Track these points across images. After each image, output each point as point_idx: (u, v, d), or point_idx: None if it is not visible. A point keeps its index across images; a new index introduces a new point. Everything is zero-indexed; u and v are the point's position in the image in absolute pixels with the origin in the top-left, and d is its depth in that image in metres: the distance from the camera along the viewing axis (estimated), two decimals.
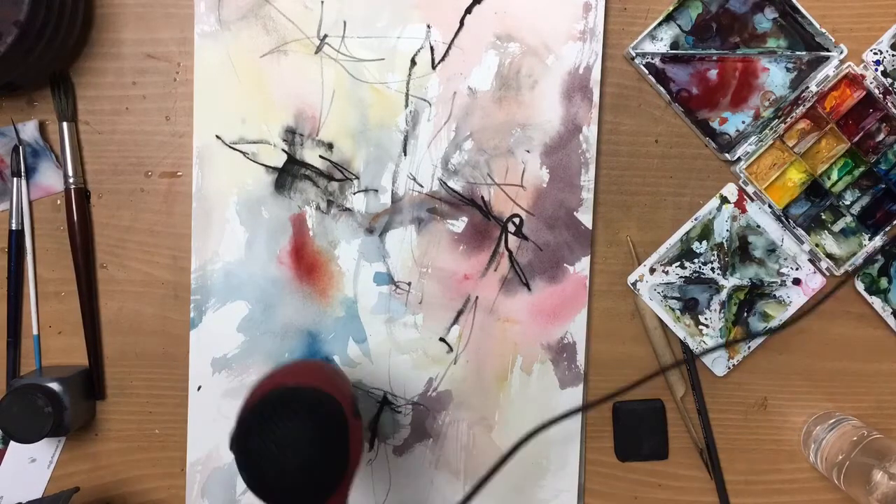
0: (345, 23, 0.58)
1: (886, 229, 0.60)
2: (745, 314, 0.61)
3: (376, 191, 0.59)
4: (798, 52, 0.59)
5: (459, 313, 0.60)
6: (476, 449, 0.60)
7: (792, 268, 0.61)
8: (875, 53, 0.59)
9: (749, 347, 0.61)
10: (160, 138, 0.59)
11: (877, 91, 0.59)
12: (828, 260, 0.60)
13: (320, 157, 0.59)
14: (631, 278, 0.60)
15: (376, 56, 0.58)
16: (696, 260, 0.60)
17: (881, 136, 0.60)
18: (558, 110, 0.59)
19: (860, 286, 0.61)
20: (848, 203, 0.61)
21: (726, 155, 0.59)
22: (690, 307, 0.61)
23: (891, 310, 0.61)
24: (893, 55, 0.59)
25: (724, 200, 0.60)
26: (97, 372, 0.59)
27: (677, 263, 0.60)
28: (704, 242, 0.60)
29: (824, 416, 0.61)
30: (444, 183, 0.59)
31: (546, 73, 0.59)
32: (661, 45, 0.60)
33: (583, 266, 0.60)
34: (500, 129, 0.59)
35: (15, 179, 0.59)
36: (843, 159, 0.60)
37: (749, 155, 0.59)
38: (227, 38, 0.58)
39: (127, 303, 0.60)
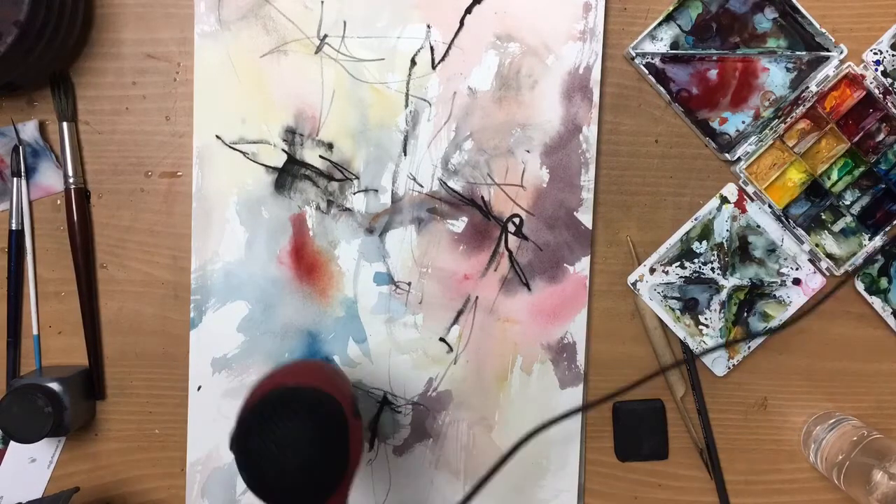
0: (345, 23, 0.58)
1: (886, 229, 0.60)
2: (745, 314, 0.61)
3: (376, 191, 0.59)
4: (798, 52, 0.59)
5: (459, 313, 0.60)
6: (476, 449, 0.60)
7: (792, 268, 0.61)
8: (875, 53, 0.59)
9: (749, 347, 0.61)
10: (160, 138, 0.59)
11: (877, 91, 0.59)
12: (828, 260, 0.60)
13: (320, 157, 0.59)
14: (631, 278, 0.60)
15: (376, 56, 0.58)
16: (696, 260, 0.60)
17: (881, 136, 0.60)
18: (558, 110, 0.59)
19: (860, 286, 0.61)
20: (848, 203, 0.61)
21: (726, 155, 0.59)
22: (690, 307, 0.61)
23: (891, 310, 0.61)
24: (893, 55, 0.59)
25: (724, 200, 0.60)
26: (97, 372, 0.60)
27: (677, 263, 0.60)
28: (704, 242, 0.60)
29: (824, 416, 0.61)
30: (444, 183, 0.59)
31: (546, 73, 0.59)
32: (661, 45, 0.60)
33: (583, 266, 0.60)
34: (500, 129, 0.59)
35: (15, 179, 0.59)
36: (843, 159, 0.60)
37: (749, 155, 0.59)
38: (227, 38, 0.58)
39: (127, 303, 0.60)
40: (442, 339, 0.60)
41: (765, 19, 0.60)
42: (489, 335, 0.60)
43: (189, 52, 0.58)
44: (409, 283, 0.60)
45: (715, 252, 0.60)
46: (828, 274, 0.61)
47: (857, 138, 0.59)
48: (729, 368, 0.61)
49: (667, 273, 0.60)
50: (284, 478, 0.41)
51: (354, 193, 0.59)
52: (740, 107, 0.60)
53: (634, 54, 0.58)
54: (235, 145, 0.58)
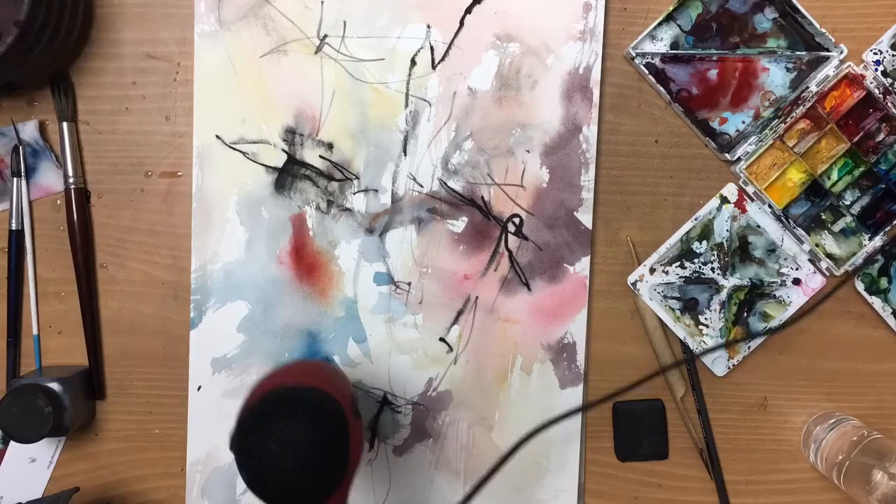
0: (345, 23, 0.58)
1: (886, 229, 0.60)
2: (745, 314, 0.61)
3: (376, 191, 0.59)
4: (798, 52, 0.59)
5: (459, 313, 0.60)
6: (476, 449, 0.60)
7: (792, 268, 0.61)
8: (875, 53, 0.59)
9: (749, 347, 0.61)
10: (160, 138, 0.59)
11: (877, 91, 0.59)
12: (828, 260, 0.60)
13: (320, 157, 0.59)
14: (631, 278, 0.60)
15: (376, 56, 0.58)
16: (696, 260, 0.60)
17: (881, 136, 0.60)
18: (558, 110, 0.59)
19: (860, 286, 0.61)
20: (848, 203, 0.61)
21: (726, 155, 0.59)
22: (690, 307, 0.61)
23: (891, 310, 0.61)
24: (893, 55, 0.59)
25: (724, 200, 0.60)
26: (97, 372, 0.60)
27: (677, 263, 0.60)
28: (704, 242, 0.60)
29: (824, 416, 0.61)
30: (444, 183, 0.59)
31: (546, 73, 0.59)
32: (661, 45, 0.60)
33: (583, 266, 0.60)
34: (500, 129, 0.59)
35: (15, 179, 0.59)
36: (843, 159, 0.60)
37: (749, 155, 0.59)
38: (227, 38, 0.58)
39: (127, 303, 0.60)
40: (442, 339, 0.60)
41: (765, 19, 0.60)
42: (489, 335, 0.60)
43: (189, 52, 0.58)
44: (409, 283, 0.60)
45: (715, 252, 0.60)
46: (828, 274, 0.61)
47: (857, 138, 0.59)
48: (729, 368, 0.61)
49: (667, 273, 0.60)
50: (284, 478, 0.41)
51: (354, 193, 0.59)
52: (740, 107, 0.60)
53: (634, 54, 0.58)
54: (235, 145, 0.58)
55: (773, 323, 0.61)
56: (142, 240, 0.60)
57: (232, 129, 0.58)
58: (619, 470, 0.62)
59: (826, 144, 0.60)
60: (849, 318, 0.62)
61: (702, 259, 0.60)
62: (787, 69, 0.60)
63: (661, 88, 0.59)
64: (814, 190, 0.60)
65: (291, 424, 0.41)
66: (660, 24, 0.58)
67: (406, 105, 0.59)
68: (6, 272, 0.59)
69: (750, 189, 0.60)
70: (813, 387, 0.62)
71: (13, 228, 0.59)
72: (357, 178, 0.59)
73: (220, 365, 0.59)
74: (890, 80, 0.59)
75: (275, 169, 0.59)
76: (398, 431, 0.60)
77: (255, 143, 0.58)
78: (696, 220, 0.60)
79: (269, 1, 0.58)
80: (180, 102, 0.59)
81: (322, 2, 0.58)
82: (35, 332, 0.59)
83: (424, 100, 0.59)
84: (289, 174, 0.59)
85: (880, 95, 0.59)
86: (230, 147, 0.58)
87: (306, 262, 0.59)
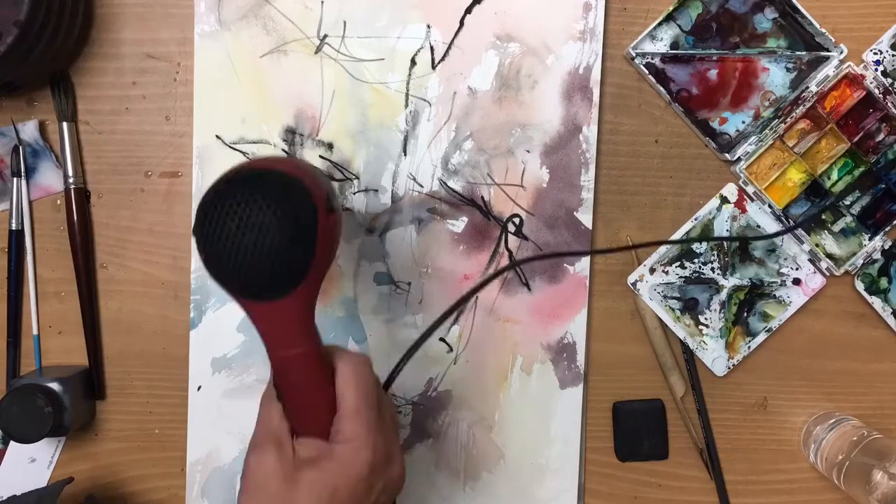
0: (345, 23, 0.58)
1: (886, 229, 0.60)
2: (745, 314, 0.61)
3: (376, 191, 0.59)
4: (798, 52, 0.59)
5: (459, 313, 0.60)
6: (476, 449, 0.60)
7: (792, 268, 0.61)
8: (875, 53, 0.59)
9: (749, 347, 0.61)
10: (160, 138, 0.59)
11: (877, 91, 0.59)
12: (828, 260, 0.60)
13: (320, 157, 0.59)
14: (631, 278, 0.60)
15: (376, 56, 0.58)
16: (696, 260, 0.60)
17: (881, 136, 0.60)
18: (558, 110, 0.59)
19: (860, 286, 0.61)
20: (848, 203, 0.61)
21: (726, 155, 0.59)
22: (690, 307, 0.61)
23: (891, 310, 0.61)
24: (893, 55, 0.59)
25: (724, 200, 0.60)
26: (97, 372, 0.60)
27: (677, 263, 0.60)
28: (704, 242, 0.60)
29: (824, 416, 0.61)
30: (444, 183, 0.59)
31: (546, 73, 0.59)
32: (661, 45, 0.60)
33: (583, 266, 0.60)
34: (500, 129, 0.59)
35: (15, 179, 0.59)
36: (843, 159, 0.60)
37: (749, 155, 0.59)
38: (227, 38, 0.58)
39: (127, 303, 0.60)
40: (442, 339, 0.60)
41: (765, 19, 0.60)
42: (489, 335, 0.60)
43: (189, 52, 0.58)
44: (409, 283, 0.60)
45: (715, 252, 0.60)
46: (828, 274, 0.61)
47: (857, 138, 0.59)
48: (729, 368, 0.61)
49: (667, 273, 0.60)
50: (243, 260, 0.38)
51: (354, 193, 0.59)
52: (740, 107, 0.60)
53: (634, 54, 0.58)
54: (235, 145, 0.58)
55: (773, 323, 0.61)
56: (142, 240, 0.60)
57: (232, 129, 0.58)
58: (619, 470, 0.62)
59: (826, 144, 0.60)
60: (849, 318, 0.62)
61: (702, 259, 0.60)
62: (787, 69, 0.60)
63: (661, 88, 0.59)
64: (814, 190, 0.60)
65: (254, 204, 0.38)
66: (660, 24, 0.58)
67: (406, 105, 0.59)
68: (6, 272, 0.59)
69: (750, 189, 0.60)
70: (813, 387, 0.62)
71: (13, 228, 0.59)
72: (357, 178, 0.59)
73: (220, 365, 0.59)
74: (890, 80, 0.59)
75: None
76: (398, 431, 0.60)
77: (255, 143, 0.58)
78: (696, 220, 0.60)
79: (269, 1, 0.58)
80: (180, 102, 0.59)
81: (322, 2, 0.58)
82: (35, 332, 0.59)
83: (424, 100, 0.59)
84: None
85: (880, 95, 0.59)
86: (230, 147, 0.58)
87: None
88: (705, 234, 0.60)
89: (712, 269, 0.60)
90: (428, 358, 0.60)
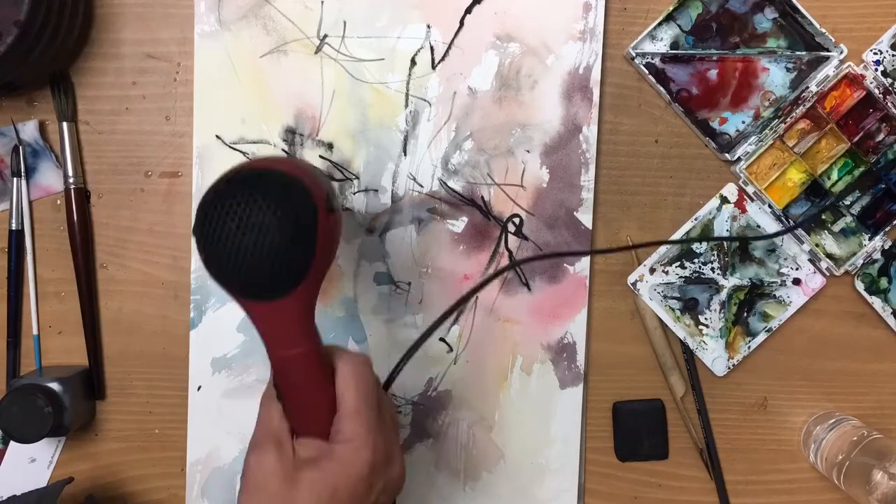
0: (345, 23, 0.58)
1: (886, 229, 0.60)
2: (745, 314, 0.61)
3: (376, 191, 0.59)
4: (798, 52, 0.59)
5: (459, 313, 0.60)
6: (476, 449, 0.60)
7: (792, 268, 0.61)
8: (875, 53, 0.59)
9: (749, 347, 0.61)
10: (160, 138, 0.59)
11: (877, 91, 0.59)
12: (828, 260, 0.60)
13: (320, 157, 0.59)
14: (631, 278, 0.60)
15: (376, 56, 0.58)
16: (696, 260, 0.60)
17: (881, 136, 0.60)
18: (558, 110, 0.59)
19: (860, 286, 0.61)
20: (848, 203, 0.61)
21: (726, 155, 0.59)
22: (690, 307, 0.61)
23: (891, 310, 0.61)
24: (893, 55, 0.59)
25: (724, 200, 0.60)
26: (97, 372, 0.59)
27: (677, 263, 0.60)
28: (704, 242, 0.60)
29: (824, 416, 0.61)
30: (444, 183, 0.59)
31: (546, 73, 0.59)
32: (661, 45, 0.60)
33: (583, 266, 0.60)
34: (500, 129, 0.59)
35: (15, 179, 0.59)
36: (843, 159, 0.60)
37: (749, 155, 0.59)
38: (227, 38, 0.58)
39: (127, 303, 0.60)
40: (442, 339, 0.60)
41: (765, 19, 0.60)
42: (489, 335, 0.60)
43: (189, 52, 0.58)
44: (409, 283, 0.60)
45: (715, 252, 0.60)
46: (828, 274, 0.61)
47: (857, 138, 0.59)
48: (729, 368, 0.61)
49: (667, 273, 0.60)
50: (243, 260, 0.38)
51: (354, 193, 0.59)
52: (740, 107, 0.60)
53: (634, 54, 0.58)
54: (235, 145, 0.58)
55: (773, 323, 0.61)
56: (142, 240, 0.60)
57: (232, 129, 0.58)
58: (619, 470, 0.62)
59: (826, 144, 0.60)
60: (849, 318, 0.62)
61: (702, 259, 0.60)
62: (787, 69, 0.60)
63: (661, 88, 0.59)
64: (814, 190, 0.60)
65: (254, 204, 0.38)
66: (660, 24, 0.58)
67: (406, 105, 0.59)
68: (6, 272, 0.59)
69: (750, 189, 0.60)
70: (813, 387, 0.62)
71: (13, 228, 0.59)
72: (357, 178, 0.59)
73: (220, 365, 0.59)
74: (890, 80, 0.59)
75: None
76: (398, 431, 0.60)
77: (255, 143, 0.58)
78: (696, 220, 0.60)
79: (269, 1, 0.58)
80: (180, 102, 0.59)
81: (322, 2, 0.58)
82: (35, 332, 0.59)
83: (424, 100, 0.59)
84: None
85: (880, 95, 0.59)
86: (230, 147, 0.58)
87: None
88: (705, 234, 0.60)
89: (712, 269, 0.60)
90: (428, 358, 0.60)
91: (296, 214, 0.39)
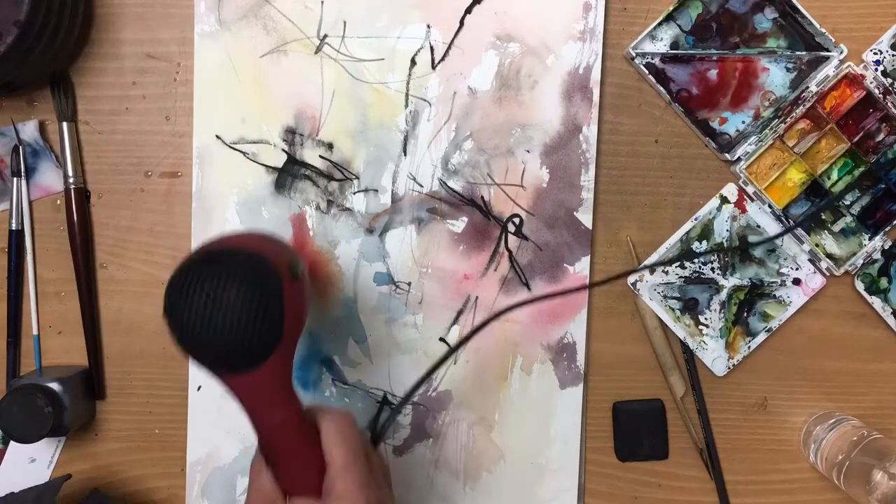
0: (345, 23, 0.58)
1: (886, 229, 0.60)
2: (745, 314, 0.61)
3: (376, 191, 0.59)
4: (798, 52, 0.59)
5: (459, 313, 0.60)
6: (476, 449, 0.60)
7: (792, 268, 0.61)
8: (875, 53, 0.59)
9: (749, 347, 0.61)
10: (160, 138, 0.59)
11: (877, 91, 0.59)
12: (828, 260, 0.60)
13: (320, 157, 0.59)
14: (631, 278, 0.60)
15: (376, 56, 0.58)
16: (696, 260, 0.60)
17: (881, 136, 0.60)
18: (558, 110, 0.59)
19: (860, 286, 0.61)
20: (848, 203, 0.61)
21: (726, 155, 0.59)
22: (690, 307, 0.61)
23: (891, 310, 0.61)
24: (893, 55, 0.59)
25: (724, 200, 0.60)
26: (97, 372, 0.60)
27: (677, 263, 0.60)
28: (704, 242, 0.60)
29: (824, 416, 0.61)
30: (444, 183, 0.59)
31: (546, 73, 0.59)
32: (661, 45, 0.60)
33: (583, 266, 0.60)
34: (500, 129, 0.59)
35: (15, 179, 0.59)
36: (843, 159, 0.60)
37: (749, 155, 0.59)
38: (227, 38, 0.58)
39: (127, 303, 0.60)
40: (442, 339, 0.60)
41: (765, 19, 0.60)
42: (489, 335, 0.60)
43: (189, 52, 0.58)
44: (409, 283, 0.60)
45: (715, 252, 0.60)
46: (828, 274, 0.61)
47: (857, 138, 0.59)
48: (729, 368, 0.61)
49: (667, 273, 0.60)
50: (213, 337, 0.40)
51: (354, 193, 0.59)
52: (740, 107, 0.60)
53: (634, 54, 0.58)
54: (235, 145, 0.58)
55: (773, 323, 0.61)
56: (142, 240, 0.60)
57: (232, 129, 0.58)
58: (619, 470, 0.62)
59: (826, 144, 0.60)
60: (849, 318, 0.62)
61: (702, 259, 0.60)
62: (787, 69, 0.60)
63: (661, 88, 0.59)
64: (814, 190, 0.60)
65: (219, 284, 0.40)
66: (660, 24, 0.58)
67: (406, 105, 0.59)
68: (6, 272, 0.59)
69: (750, 189, 0.60)
70: (813, 387, 0.62)
71: (13, 228, 0.59)
72: (357, 178, 0.59)
73: None
74: (890, 80, 0.59)
75: (275, 169, 0.59)
76: (398, 431, 0.60)
77: (255, 143, 0.58)
78: (696, 220, 0.60)
79: (269, 1, 0.58)
80: (180, 102, 0.59)
81: (322, 2, 0.58)
82: (35, 332, 0.59)
83: (424, 100, 0.59)
84: (289, 174, 0.59)
85: (880, 95, 0.59)
86: (230, 147, 0.58)
87: (306, 262, 0.59)
88: (705, 234, 0.60)
89: (712, 269, 0.60)
90: (428, 358, 0.60)
91: (261, 289, 0.40)
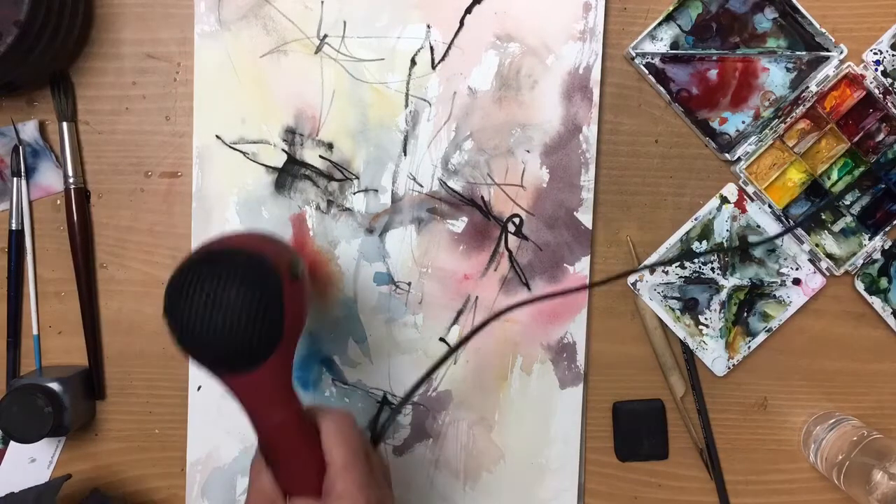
0: (345, 23, 0.58)
1: (886, 229, 0.60)
2: (745, 314, 0.61)
3: (376, 191, 0.59)
4: (798, 52, 0.59)
5: (459, 313, 0.60)
6: (476, 449, 0.60)
7: (792, 268, 0.61)
8: (875, 53, 0.59)
9: (749, 347, 0.61)
10: (160, 138, 0.59)
11: (877, 91, 0.59)
12: (828, 260, 0.60)
13: (320, 157, 0.59)
14: (631, 278, 0.60)
15: (376, 56, 0.58)
16: (695, 260, 0.60)
17: (881, 136, 0.60)
18: (558, 110, 0.59)
19: (860, 286, 0.61)
20: (848, 203, 0.61)
21: (726, 155, 0.59)
22: (690, 307, 0.61)
23: (891, 310, 0.61)
24: (893, 55, 0.59)
25: (724, 200, 0.60)
26: (97, 372, 0.60)
27: (677, 263, 0.60)
28: (704, 242, 0.60)
29: (824, 416, 0.61)
30: (444, 183, 0.59)
31: (546, 73, 0.59)
32: (661, 45, 0.60)
33: (583, 266, 0.60)
34: (500, 129, 0.59)
35: (15, 179, 0.59)
36: (843, 159, 0.60)
37: (749, 155, 0.59)
38: (227, 38, 0.58)
39: (127, 303, 0.60)
40: (442, 339, 0.60)
41: (765, 19, 0.60)
42: (489, 335, 0.60)
43: (189, 52, 0.58)
44: (409, 283, 0.60)
45: (715, 252, 0.60)
46: (828, 274, 0.61)
47: (857, 138, 0.59)
48: (729, 368, 0.61)
49: (667, 273, 0.60)
50: (213, 337, 0.40)
51: (354, 193, 0.59)
52: (740, 107, 0.60)
53: (634, 54, 0.58)
54: (235, 145, 0.58)
55: (773, 323, 0.61)
56: (142, 240, 0.60)
57: (232, 129, 0.58)
58: (619, 470, 0.62)
59: (826, 144, 0.60)
60: (849, 318, 0.62)
61: (702, 259, 0.60)
62: (787, 69, 0.60)
63: (661, 88, 0.59)
64: (814, 190, 0.60)
65: (219, 284, 0.40)
66: (660, 24, 0.58)
67: (406, 105, 0.59)
68: (6, 272, 0.59)
69: (750, 189, 0.60)
70: (813, 387, 0.62)
71: (13, 228, 0.59)
72: (357, 178, 0.59)
73: None
74: (890, 80, 0.59)
75: (275, 169, 0.59)
76: (398, 431, 0.60)
77: (255, 143, 0.58)
78: (696, 220, 0.60)
79: (269, 1, 0.58)
80: (180, 102, 0.59)
81: (322, 2, 0.58)
82: (35, 332, 0.59)
83: (424, 100, 0.59)
84: (289, 174, 0.59)
85: (880, 95, 0.59)
86: (230, 147, 0.58)
87: (306, 262, 0.59)
88: (705, 234, 0.60)
89: (712, 269, 0.60)
90: (428, 358, 0.60)
91: (261, 289, 0.41)
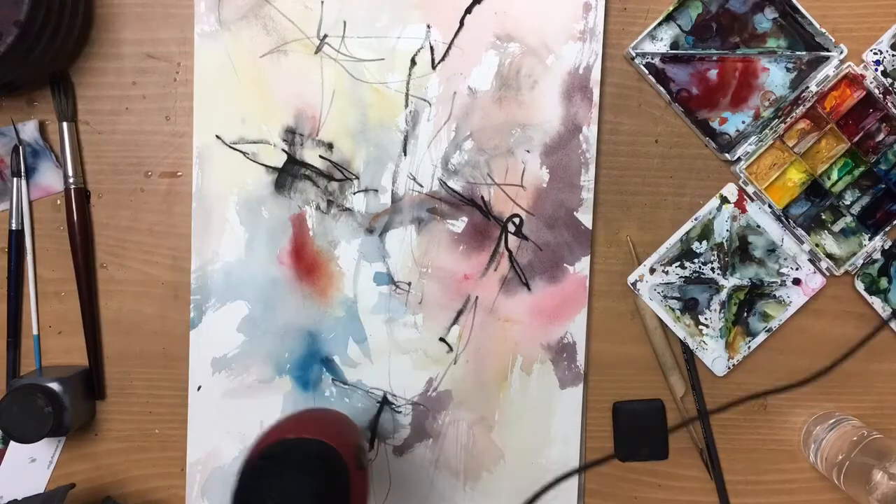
0: (345, 23, 0.58)
1: (886, 229, 0.60)
2: (745, 314, 0.61)
3: (376, 191, 0.59)
4: (798, 52, 0.59)
5: (459, 313, 0.60)
6: (476, 449, 0.60)
7: (792, 268, 0.61)
8: (875, 53, 0.59)
9: (749, 347, 0.61)
10: (160, 138, 0.59)
11: (877, 91, 0.59)
12: (828, 260, 0.60)
13: (320, 157, 0.59)
14: (631, 278, 0.60)
15: (376, 56, 0.58)
16: (696, 260, 0.60)
17: (881, 136, 0.60)
18: (558, 110, 0.59)
19: (860, 286, 0.61)
20: (848, 203, 0.61)
21: (726, 155, 0.59)
22: (690, 307, 0.61)
23: (891, 310, 0.61)
24: (893, 55, 0.59)
25: (724, 200, 0.60)
26: (97, 372, 0.60)
27: (677, 263, 0.60)
28: (704, 242, 0.60)
29: (824, 416, 0.61)
30: (444, 183, 0.59)
31: (546, 73, 0.59)
32: (661, 45, 0.60)
33: (583, 266, 0.60)
34: (500, 129, 0.59)
35: (15, 179, 0.59)
36: (843, 159, 0.60)
37: (749, 155, 0.59)
38: (227, 38, 0.58)
39: (127, 303, 0.60)
40: (442, 339, 0.60)
41: (765, 19, 0.60)
42: (489, 335, 0.60)
43: (189, 52, 0.58)
44: (409, 283, 0.60)
45: (715, 252, 0.60)
46: (828, 274, 0.61)
47: (857, 138, 0.59)
48: (729, 368, 0.61)
49: (667, 273, 0.60)
50: None
51: (354, 193, 0.59)
52: (740, 107, 0.60)
53: (634, 54, 0.58)
54: (235, 145, 0.58)
55: (773, 323, 0.61)
56: (142, 240, 0.60)
57: (232, 129, 0.58)
58: (619, 470, 0.62)
59: (826, 144, 0.60)
60: (849, 318, 0.62)
61: (702, 259, 0.60)
62: (787, 69, 0.60)
63: (661, 88, 0.59)
64: (814, 190, 0.60)
65: (290, 479, 0.41)
66: (660, 24, 0.58)
67: (406, 105, 0.59)
68: (6, 272, 0.59)
69: (750, 189, 0.60)
70: (813, 387, 0.62)
71: (13, 228, 0.59)
72: (357, 178, 0.59)
73: (220, 365, 0.59)
74: (890, 80, 0.59)
75: (275, 169, 0.59)
76: (398, 431, 0.60)
77: (255, 143, 0.58)
78: (696, 220, 0.60)
79: (269, 1, 0.58)
80: (180, 102, 0.59)
81: (322, 2, 0.58)
82: (35, 332, 0.59)
83: (424, 100, 0.59)
84: (289, 174, 0.59)
85: (880, 95, 0.59)
86: (230, 147, 0.58)
87: (306, 262, 0.59)
88: (705, 234, 0.60)
89: (712, 269, 0.60)
90: (428, 358, 0.60)
91: (329, 482, 0.42)
